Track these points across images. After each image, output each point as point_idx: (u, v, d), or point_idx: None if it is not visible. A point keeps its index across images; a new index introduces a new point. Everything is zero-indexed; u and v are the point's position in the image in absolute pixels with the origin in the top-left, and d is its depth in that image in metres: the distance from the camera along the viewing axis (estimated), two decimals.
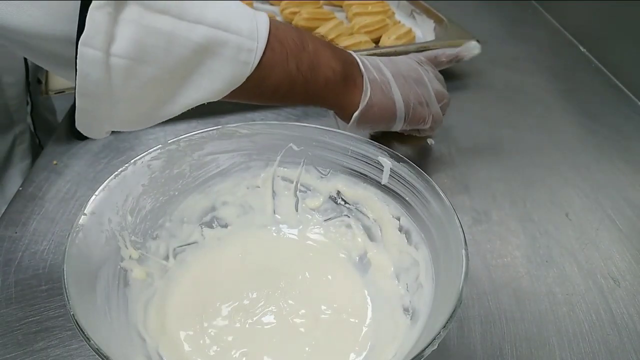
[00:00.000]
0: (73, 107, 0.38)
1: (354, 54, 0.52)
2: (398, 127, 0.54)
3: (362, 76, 0.50)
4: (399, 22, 0.90)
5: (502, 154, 0.65)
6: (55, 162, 0.60)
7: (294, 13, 0.89)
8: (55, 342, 0.41)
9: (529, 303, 0.46)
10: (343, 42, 0.79)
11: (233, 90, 0.42)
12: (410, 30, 0.85)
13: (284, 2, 0.92)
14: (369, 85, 0.50)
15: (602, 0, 0.87)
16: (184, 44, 0.38)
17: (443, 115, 0.58)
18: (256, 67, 0.41)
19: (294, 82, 0.45)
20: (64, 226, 0.51)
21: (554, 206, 0.57)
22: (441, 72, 0.60)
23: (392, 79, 0.52)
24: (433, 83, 0.55)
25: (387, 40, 0.82)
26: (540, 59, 0.90)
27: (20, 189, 0.56)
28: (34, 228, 0.51)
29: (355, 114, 0.50)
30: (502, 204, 0.57)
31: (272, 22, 0.43)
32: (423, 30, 0.90)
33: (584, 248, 0.52)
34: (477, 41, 0.79)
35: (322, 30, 0.82)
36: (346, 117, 0.51)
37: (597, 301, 0.47)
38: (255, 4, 0.95)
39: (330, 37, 0.81)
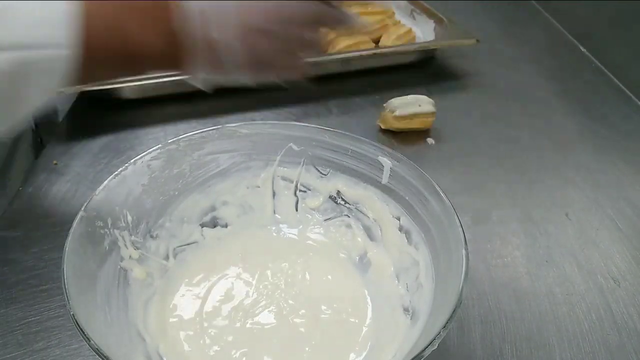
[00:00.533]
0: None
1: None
2: (243, 78, 0.42)
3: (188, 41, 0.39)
4: (399, 22, 0.90)
5: (502, 154, 0.65)
6: (55, 162, 0.60)
7: None
8: (55, 342, 0.41)
9: (529, 303, 0.46)
10: (343, 42, 0.79)
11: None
12: (410, 30, 0.85)
13: None
14: (194, 42, 0.39)
15: (602, 0, 0.87)
16: None
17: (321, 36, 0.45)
18: (77, 63, 0.37)
19: (119, 59, 0.40)
20: (64, 226, 0.51)
21: (554, 206, 0.57)
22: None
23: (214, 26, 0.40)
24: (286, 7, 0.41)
25: (387, 40, 0.82)
26: (540, 59, 0.90)
27: (21, 189, 0.56)
28: (34, 228, 0.51)
29: (198, 76, 0.41)
30: (502, 204, 0.57)
31: (84, 11, 0.37)
32: (423, 30, 0.89)
33: (584, 248, 0.52)
34: (477, 41, 0.80)
35: (322, 30, 0.82)
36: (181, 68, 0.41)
37: (597, 301, 0.47)
38: None
39: (330, 37, 0.81)
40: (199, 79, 0.42)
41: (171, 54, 0.41)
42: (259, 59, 0.41)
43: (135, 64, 0.42)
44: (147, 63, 0.42)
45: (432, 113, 0.67)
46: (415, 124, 0.66)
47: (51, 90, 0.39)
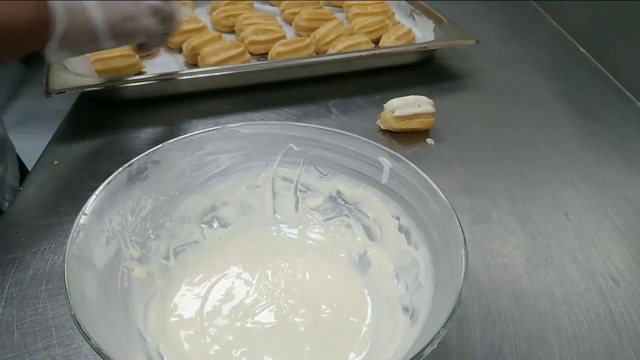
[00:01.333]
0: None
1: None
2: (107, 45, 0.55)
3: (50, 9, 0.48)
4: (399, 22, 0.91)
5: (502, 154, 0.65)
6: (55, 162, 0.60)
7: (294, 14, 0.89)
8: (55, 342, 0.41)
9: (529, 303, 0.47)
10: (343, 43, 0.79)
11: None
12: (410, 31, 0.86)
13: (284, 2, 0.93)
14: (63, 17, 0.49)
15: (602, 0, 0.87)
16: None
17: (169, 30, 0.61)
18: None
19: None
20: (64, 226, 0.51)
21: (554, 206, 0.57)
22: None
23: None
24: (153, 5, 0.57)
25: (387, 40, 0.83)
26: (540, 59, 0.90)
27: (21, 189, 0.56)
28: (34, 228, 0.51)
29: (52, 44, 0.50)
30: (501, 204, 0.57)
31: None
32: (423, 30, 0.90)
33: (584, 248, 0.52)
34: (477, 41, 0.80)
35: (322, 30, 0.82)
36: (44, 51, 0.51)
37: (596, 301, 0.47)
38: (256, 4, 0.95)
39: (330, 37, 0.81)
40: (59, 51, 0.52)
41: (39, 25, 0.48)
42: (123, 31, 0.55)
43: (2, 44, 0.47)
44: (14, 40, 0.47)
45: (432, 113, 0.67)
46: (415, 124, 0.66)
47: None
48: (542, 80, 0.83)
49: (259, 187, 0.49)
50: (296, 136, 0.47)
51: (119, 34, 0.54)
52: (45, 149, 0.62)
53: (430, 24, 0.88)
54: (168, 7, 0.59)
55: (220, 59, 0.74)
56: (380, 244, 0.46)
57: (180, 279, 0.44)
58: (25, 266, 0.47)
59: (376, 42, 0.85)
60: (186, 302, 0.42)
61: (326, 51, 0.80)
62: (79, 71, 0.67)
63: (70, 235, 0.35)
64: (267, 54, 0.79)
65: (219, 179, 0.48)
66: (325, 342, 0.40)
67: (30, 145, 0.79)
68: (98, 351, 0.29)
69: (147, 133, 0.65)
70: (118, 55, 0.72)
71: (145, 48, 0.62)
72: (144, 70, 0.75)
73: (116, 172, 0.41)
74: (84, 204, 0.38)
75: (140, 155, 0.43)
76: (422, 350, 0.30)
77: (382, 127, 0.67)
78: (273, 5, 0.96)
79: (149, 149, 0.44)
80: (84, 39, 0.53)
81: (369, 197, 0.46)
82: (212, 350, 0.39)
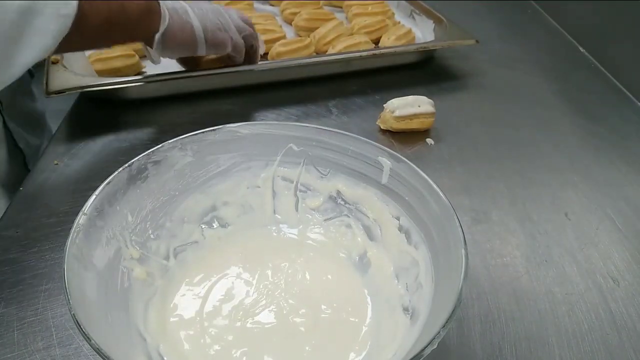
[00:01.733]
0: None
1: None
2: (202, 50, 0.63)
3: (160, 5, 0.58)
4: (399, 22, 0.91)
5: (502, 154, 0.65)
6: (55, 162, 0.60)
7: (294, 14, 0.89)
8: (55, 342, 0.41)
9: (529, 303, 0.47)
10: (343, 43, 0.79)
11: (60, 42, 0.48)
12: (410, 31, 0.86)
13: (284, 2, 0.93)
14: (167, 12, 0.59)
15: (602, 0, 0.87)
16: (9, 9, 0.44)
17: (253, 50, 0.70)
18: (76, 17, 0.48)
19: (110, 21, 0.53)
20: (64, 226, 0.51)
21: (554, 206, 0.57)
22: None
23: (188, 7, 0.62)
24: (233, 18, 0.66)
25: (387, 40, 0.83)
26: (540, 59, 0.90)
27: (21, 189, 0.56)
28: (34, 228, 0.51)
29: (157, 36, 0.59)
30: (501, 204, 0.57)
31: None
32: (423, 30, 0.90)
33: (584, 248, 0.52)
34: (477, 41, 0.80)
35: (322, 30, 0.82)
36: (152, 43, 0.60)
37: (596, 301, 0.47)
38: (255, 4, 0.95)
39: (330, 37, 0.81)
40: (162, 49, 0.61)
41: (149, 16, 0.57)
42: (216, 39, 0.64)
43: (123, 24, 0.55)
44: (125, 26, 0.56)
45: (432, 113, 0.67)
46: (415, 124, 0.66)
47: (50, 45, 0.47)
48: (542, 80, 0.83)
49: (259, 187, 0.49)
50: (296, 136, 0.47)
51: (212, 39, 0.63)
52: (45, 149, 0.62)
53: (430, 24, 0.88)
54: (249, 29, 0.68)
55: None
56: (380, 244, 0.46)
57: (180, 279, 0.44)
58: (25, 266, 0.47)
59: (376, 42, 0.85)
60: (186, 302, 0.42)
61: (326, 51, 0.80)
62: (78, 71, 0.67)
63: (70, 235, 0.35)
64: (267, 54, 0.79)
65: (219, 179, 0.48)
66: (325, 342, 0.40)
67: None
68: (98, 351, 0.29)
69: (147, 133, 0.65)
70: (118, 55, 0.72)
71: (235, 60, 0.69)
72: (144, 70, 0.75)
73: (116, 172, 0.41)
74: (84, 204, 0.38)
75: (140, 155, 0.43)
76: (422, 350, 0.30)
77: (382, 127, 0.67)
78: (273, 5, 0.96)
79: (149, 149, 0.44)
80: (184, 40, 0.61)
81: (369, 197, 0.46)
82: (212, 350, 0.39)
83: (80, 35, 0.50)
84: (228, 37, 0.64)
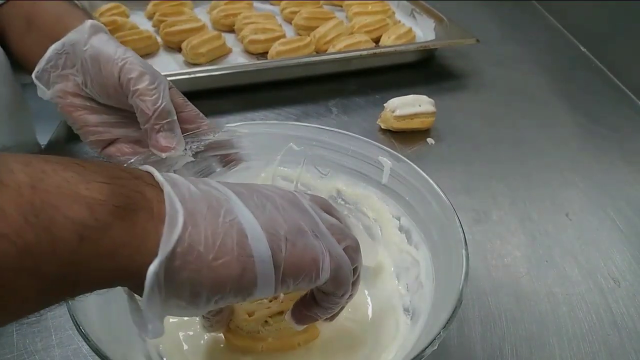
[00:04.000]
0: None
1: (148, 167, 0.29)
2: (269, 291, 0.28)
3: (162, 199, 0.26)
4: (399, 21, 0.90)
5: (502, 154, 0.65)
6: None
7: (294, 13, 0.89)
8: (55, 342, 0.41)
9: (529, 303, 0.46)
10: (343, 42, 0.79)
11: None
12: (410, 30, 0.85)
13: (284, 2, 0.92)
14: (180, 210, 0.26)
15: (602, 0, 0.87)
16: None
17: (355, 283, 0.33)
18: None
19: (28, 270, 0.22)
20: None
21: (554, 206, 0.57)
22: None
23: (233, 195, 0.29)
24: (319, 213, 0.32)
25: (387, 39, 0.82)
26: (540, 59, 0.90)
27: None
28: None
29: (153, 266, 0.25)
30: (502, 203, 0.57)
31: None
32: (423, 29, 0.89)
33: (584, 248, 0.52)
34: (477, 41, 0.80)
35: (322, 29, 0.82)
36: (141, 287, 0.25)
37: (597, 301, 0.47)
38: (255, 3, 0.95)
39: (331, 36, 0.81)
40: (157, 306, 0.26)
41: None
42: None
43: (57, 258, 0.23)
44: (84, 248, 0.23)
45: (432, 113, 0.66)
46: (415, 124, 0.66)
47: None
48: (542, 80, 0.83)
49: None
50: (296, 136, 0.47)
51: (294, 261, 0.29)
52: (44, 148, 0.62)
53: (430, 23, 0.88)
54: (353, 236, 0.34)
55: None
56: (380, 244, 0.46)
57: None
58: None
59: (376, 41, 0.85)
60: None
61: (326, 50, 0.80)
62: None
63: None
64: (266, 53, 0.78)
65: (218, 179, 0.47)
66: (325, 343, 0.40)
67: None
68: (97, 352, 0.29)
69: None
70: None
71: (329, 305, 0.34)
72: None
73: None
74: None
75: (140, 156, 0.43)
76: (423, 350, 0.30)
77: (382, 127, 0.67)
78: (273, 5, 0.96)
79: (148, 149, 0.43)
80: (224, 270, 0.27)
81: (369, 197, 0.46)
82: (212, 350, 0.39)
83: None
84: (322, 251, 0.30)
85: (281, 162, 0.48)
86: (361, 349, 0.39)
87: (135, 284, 0.25)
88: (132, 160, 0.43)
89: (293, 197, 0.32)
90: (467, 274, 0.33)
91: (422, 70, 0.82)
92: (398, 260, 0.44)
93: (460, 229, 0.36)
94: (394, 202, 0.44)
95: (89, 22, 0.46)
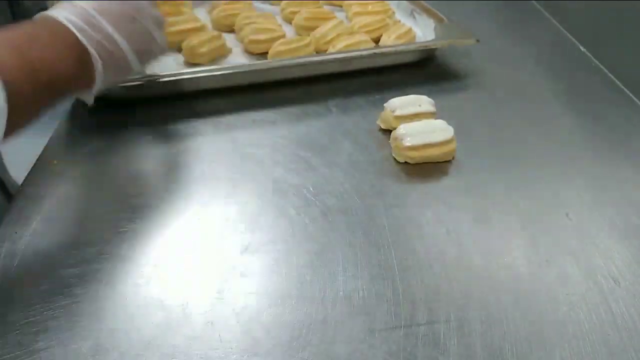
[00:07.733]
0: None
1: (62, 20, 0.46)
2: (137, 69, 0.54)
3: (89, 51, 0.47)
4: (399, 21, 0.90)
5: (502, 154, 0.65)
6: (55, 162, 0.60)
7: (294, 13, 0.89)
8: (55, 342, 0.41)
9: (529, 303, 0.46)
10: (343, 42, 0.79)
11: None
12: (410, 30, 0.85)
13: (284, 1, 0.92)
14: (97, 56, 0.47)
15: (602, 0, 0.87)
16: None
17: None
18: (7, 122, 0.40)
19: (41, 102, 0.45)
20: (64, 226, 0.51)
21: (554, 206, 0.57)
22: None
23: (111, 29, 0.48)
24: (147, 9, 0.53)
25: (388, 39, 0.82)
26: (540, 59, 0.90)
27: (21, 188, 0.56)
28: (34, 228, 0.51)
29: (93, 90, 0.50)
30: (502, 204, 0.57)
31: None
32: (423, 29, 0.89)
33: (584, 248, 0.52)
34: (477, 41, 0.80)
35: (322, 30, 0.82)
36: (89, 96, 0.51)
37: (597, 301, 0.47)
38: (255, 3, 0.95)
39: (331, 36, 0.81)
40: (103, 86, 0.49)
41: (83, 70, 0.47)
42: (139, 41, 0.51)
43: (55, 94, 0.46)
44: (64, 88, 0.47)
45: (432, 113, 0.66)
46: None
47: None
48: (542, 80, 0.83)
49: None
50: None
51: (146, 60, 0.55)
52: (44, 148, 0.62)
53: (430, 23, 0.88)
54: (156, 11, 0.56)
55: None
56: None
57: None
58: (25, 266, 0.47)
59: (376, 41, 0.85)
60: None
61: (326, 50, 0.80)
62: None
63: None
64: (266, 53, 0.78)
65: None
66: None
67: (29, 145, 0.79)
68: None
69: (146, 133, 0.65)
70: None
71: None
72: None
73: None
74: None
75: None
76: None
77: (382, 127, 0.67)
78: (273, 5, 0.96)
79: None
80: (121, 79, 0.55)
81: None
82: None
83: (14, 121, 0.42)
84: (157, 47, 0.56)
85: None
86: None
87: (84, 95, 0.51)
88: None
89: (130, 6, 0.50)
90: None
91: (422, 70, 0.82)
92: None
93: None
94: None
95: None
